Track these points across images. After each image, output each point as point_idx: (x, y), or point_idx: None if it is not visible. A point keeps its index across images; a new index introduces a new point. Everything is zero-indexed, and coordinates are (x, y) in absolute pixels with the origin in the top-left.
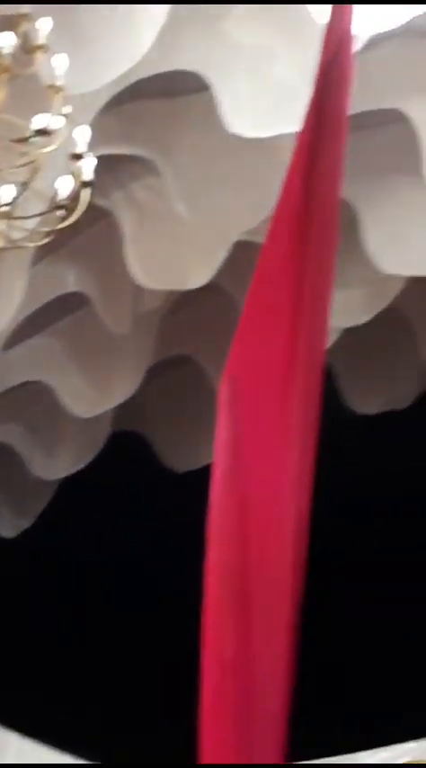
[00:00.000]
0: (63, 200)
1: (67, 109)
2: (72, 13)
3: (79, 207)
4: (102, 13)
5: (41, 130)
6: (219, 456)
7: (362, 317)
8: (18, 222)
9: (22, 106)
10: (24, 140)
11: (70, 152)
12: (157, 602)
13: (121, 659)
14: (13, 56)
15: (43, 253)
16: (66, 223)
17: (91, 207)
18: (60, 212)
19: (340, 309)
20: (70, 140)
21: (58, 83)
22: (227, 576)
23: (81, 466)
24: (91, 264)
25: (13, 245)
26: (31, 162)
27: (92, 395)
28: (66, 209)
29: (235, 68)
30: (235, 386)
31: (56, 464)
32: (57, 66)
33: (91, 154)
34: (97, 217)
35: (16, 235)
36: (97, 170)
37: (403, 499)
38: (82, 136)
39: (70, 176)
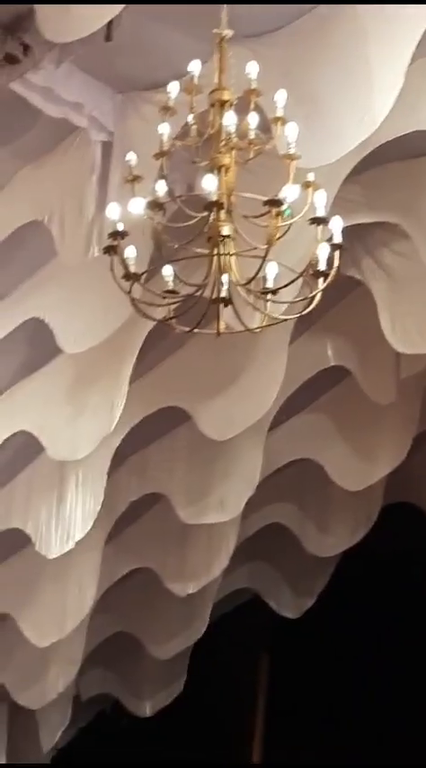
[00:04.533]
0: (319, 266)
1: (311, 176)
2: (306, 86)
3: (333, 271)
4: (336, 83)
5: (279, 201)
6: None
7: None
8: (275, 298)
9: (259, 182)
10: (268, 214)
11: (314, 218)
12: None
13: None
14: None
15: (299, 330)
16: (323, 286)
17: (342, 278)
18: (316, 280)
19: None
20: (312, 208)
21: (293, 151)
22: None
23: (356, 540)
24: (347, 336)
25: (275, 321)
26: (279, 236)
27: (360, 467)
28: (322, 276)
29: None
30: None
31: (331, 540)
32: (291, 135)
33: (338, 217)
34: (349, 287)
35: (276, 311)
36: (345, 240)
37: None
38: (322, 200)
39: (322, 243)
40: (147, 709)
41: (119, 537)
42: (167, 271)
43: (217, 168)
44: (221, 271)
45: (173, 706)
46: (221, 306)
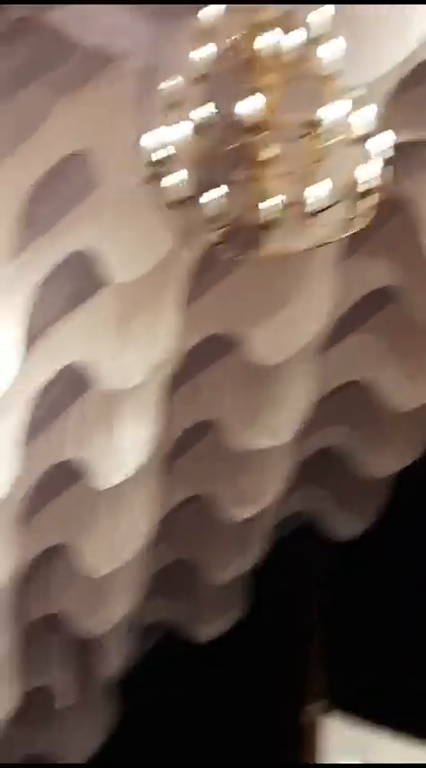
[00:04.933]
0: (365, 186)
1: (354, 93)
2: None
3: (378, 191)
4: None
5: (322, 121)
6: None
7: None
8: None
9: (301, 103)
10: (312, 134)
11: (359, 136)
12: None
13: None
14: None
15: (347, 252)
16: (369, 205)
17: (389, 199)
18: (363, 200)
19: None
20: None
21: (336, 68)
22: None
23: (409, 461)
24: (395, 257)
25: (322, 243)
26: (323, 156)
27: (411, 388)
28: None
29: None
30: None
31: (385, 461)
32: (333, 53)
33: (385, 133)
34: (394, 207)
35: (324, 232)
36: (389, 160)
37: None
38: (366, 118)
39: (367, 162)
40: (205, 636)
41: (173, 465)
42: (211, 196)
43: (257, 90)
44: (266, 194)
45: (230, 632)
46: (267, 230)
